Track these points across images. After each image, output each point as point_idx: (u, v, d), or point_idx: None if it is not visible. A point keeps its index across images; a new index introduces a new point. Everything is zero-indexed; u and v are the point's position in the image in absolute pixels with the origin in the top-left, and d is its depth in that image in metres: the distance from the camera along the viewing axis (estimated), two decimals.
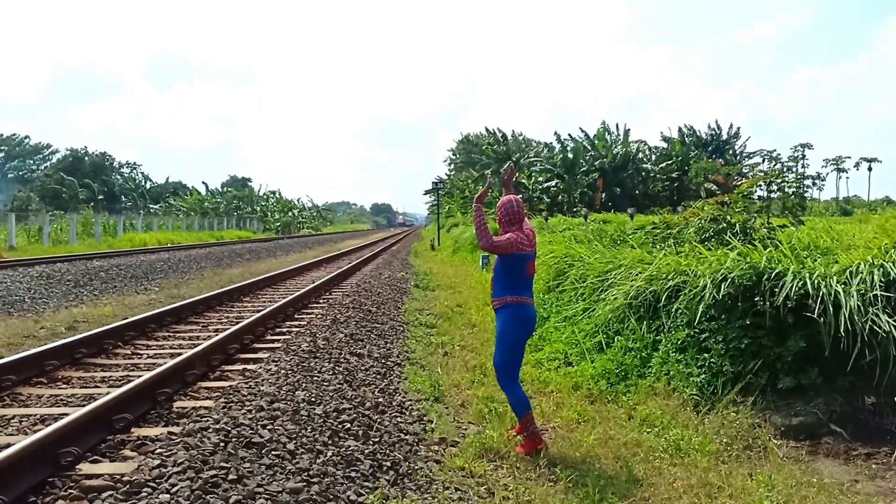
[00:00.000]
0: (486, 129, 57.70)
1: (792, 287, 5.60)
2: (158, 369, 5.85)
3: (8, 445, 3.96)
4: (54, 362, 6.71)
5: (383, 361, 7.60)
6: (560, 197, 43.28)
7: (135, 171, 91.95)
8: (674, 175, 47.31)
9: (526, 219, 5.27)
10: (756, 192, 11.48)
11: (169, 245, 31.41)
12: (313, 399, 5.52)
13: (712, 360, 5.98)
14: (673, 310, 6.70)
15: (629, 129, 50.40)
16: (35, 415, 5.23)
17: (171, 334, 9.00)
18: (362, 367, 7.09)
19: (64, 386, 6.28)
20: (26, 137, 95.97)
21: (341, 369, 6.76)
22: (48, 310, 12.21)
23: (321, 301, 12.18)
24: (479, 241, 5.03)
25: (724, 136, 55.14)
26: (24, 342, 8.91)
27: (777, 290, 5.70)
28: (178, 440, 4.25)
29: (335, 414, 5.30)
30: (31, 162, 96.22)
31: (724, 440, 5.12)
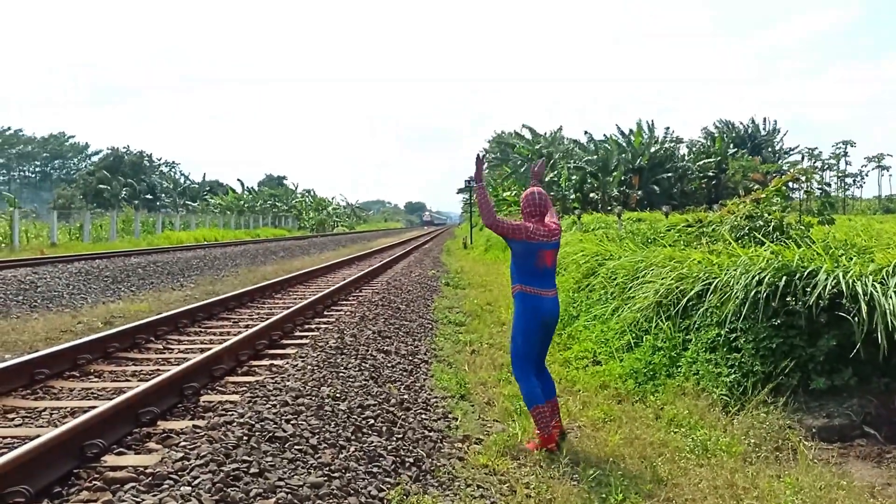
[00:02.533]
0: (520, 129, 57.56)
1: (825, 286, 5.48)
2: (186, 364, 5.93)
3: (37, 437, 4.05)
4: (87, 356, 6.84)
5: (410, 358, 7.61)
6: (593, 195, 42.96)
7: (173, 170, 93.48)
8: (711, 173, 46.66)
9: (552, 212, 5.22)
10: (795, 189, 11.28)
11: (205, 242, 31.88)
12: (338, 395, 5.54)
13: (743, 359, 5.87)
14: (703, 309, 6.60)
15: (667, 127, 49.83)
16: (65, 407, 5.33)
17: (203, 330, 9.12)
18: (389, 364, 7.10)
19: (95, 379, 6.40)
20: (71, 136, 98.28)
21: (367, 366, 6.79)
22: (86, 305, 12.47)
23: (351, 298, 12.24)
24: (482, 219, 5.06)
25: (762, 133, 54.21)
26: (61, 337, 9.10)
27: (809, 289, 5.58)
28: (202, 433, 4.31)
29: (359, 410, 5.32)
30: (74, 161, 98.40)
31: (753, 441, 5.02)
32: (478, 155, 5.38)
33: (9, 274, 13.66)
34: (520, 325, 5.05)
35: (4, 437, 4.59)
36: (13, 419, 5.10)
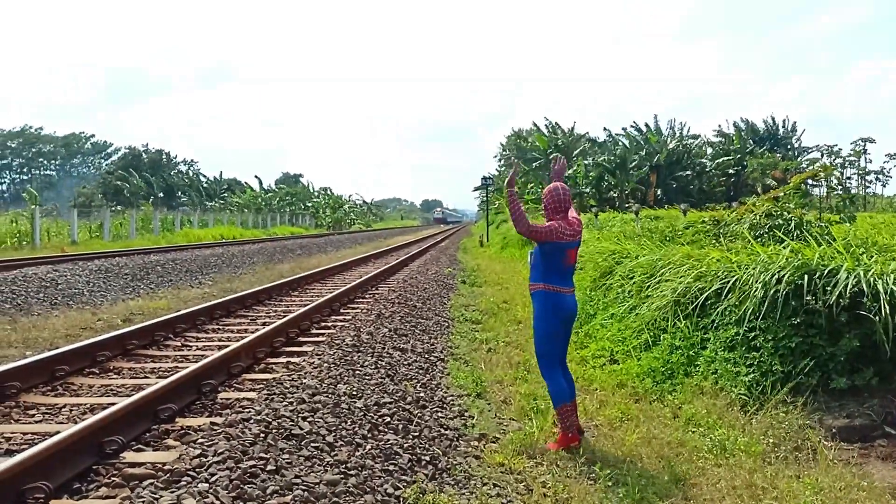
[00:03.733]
0: (535, 124, 57.37)
1: (846, 285, 5.42)
2: (204, 361, 5.97)
3: (56, 433, 4.09)
4: (106, 353, 6.90)
5: (426, 356, 7.61)
6: (611, 192, 42.77)
7: (192, 169, 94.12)
8: (730, 171, 46.29)
9: (573, 208, 5.21)
10: (814, 187, 11.17)
11: (223, 240, 32.07)
12: (354, 392, 5.56)
13: (762, 358, 5.82)
14: (722, 307, 6.54)
15: (684, 124, 49.48)
16: (85, 404, 5.39)
17: (221, 327, 9.17)
18: (405, 362, 7.11)
19: (115, 376, 6.46)
20: (91, 136, 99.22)
21: (384, 364, 6.79)
22: (106, 303, 12.59)
23: (367, 296, 12.27)
24: (516, 227, 5.00)
25: (781, 132, 53.68)
26: (81, 334, 9.19)
27: (830, 287, 5.51)
28: (219, 430, 4.33)
29: (376, 408, 5.32)
30: (94, 159, 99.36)
31: (772, 441, 4.97)
32: (512, 160, 5.37)
33: (30, 272, 13.81)
34: (543, 324, 5.03)
35: (25, 434, 4.65)
36: (34, 415, 5.16)
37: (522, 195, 39.31)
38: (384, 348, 7.46)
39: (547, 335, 5.04)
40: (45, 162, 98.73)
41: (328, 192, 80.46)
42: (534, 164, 48.23)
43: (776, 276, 5.87)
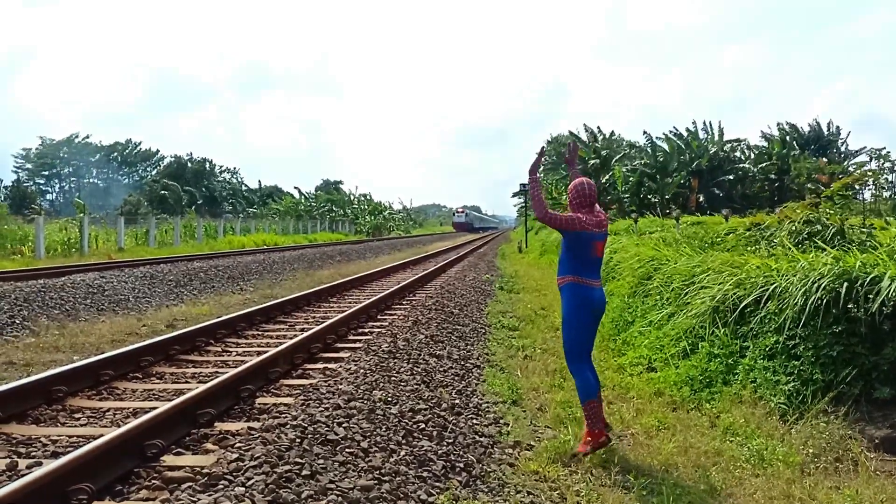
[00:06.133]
0: (571, 132, 57.03)
1: (889, 292, 5.30)
2: (243, 366, 6.08)
3: (100, 436, 4.21)
4: (150, 358, 7.06)
5: (462, 363, 7.63)
6: (651, 198, 42.27)
7: (235, 176, 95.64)
8: (773, 175, 45.40)
9: (598, 205, 5.20)
10: (859, 191, 10.93)
11: (265, 247, 32.52)
12: (390, 398, 5.60)
13: (802, 367, 5.72)
14: (761, 315, 6.45)
15: (723, 128, 48.65)
16: (128, 408, 5.53)
17: (260, 333, 9.32)
18: (441, 369, 7.14)
19: (157, 381, 6.61)
20: (139, 143, 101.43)
21: (419, 370, 6.83)
22: (150, 308, 12.88)
23: (404, 302, 12.34)
24: (534, 212, 5.04)
25: (826, 135, 52.47)
26: (127, 339, 9.42)
27: (872, 295, 5.40)
28: (256, 435, 4.40)
29: (410, 414, 5.36)
30: (142, 167, 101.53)
31: (812, 451, 4.88)
32: (542, 147, 5.41)
33: (78, 278, 14.18)
34: (572, 317, 5.03)
35: (71, 437, 4.79)
36: (79, 419, 5.31)
37: (556, 196, 39.05)
38: (420, 355, 7.50)
39: (577, 329, 5.04)
40: (95, 170, 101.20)
41: (368, 198, 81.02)
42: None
43: (816, 284, 5.77)
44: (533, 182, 5.19)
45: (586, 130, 52.52)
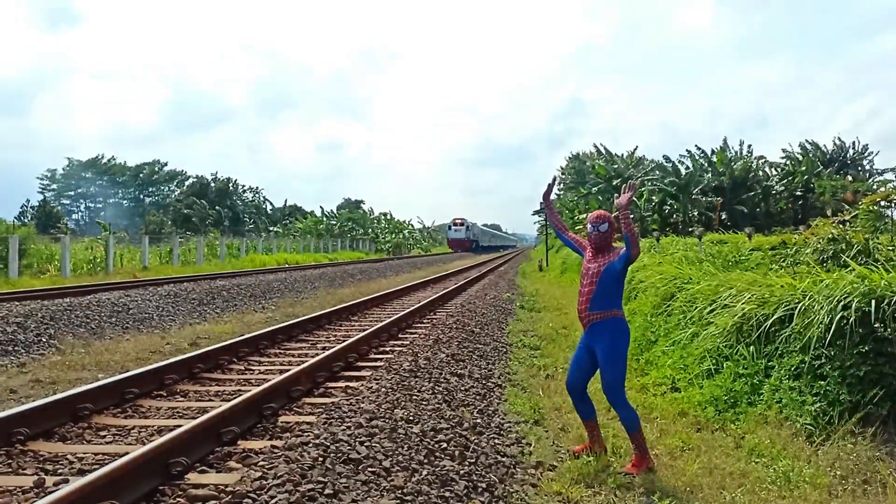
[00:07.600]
0: (596, 146, 56.97)
1: None
2: (265, 385, 6.11)
3: (125, 454, 4.25)
4: (174, 376, 7.13)
5: (484, 382, 7.61)
6: (674, 217, 42.02)
7: (257, 196, 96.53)
8: (798, 193, 44.98)
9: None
10: (887, 208, 10.80)
11: (286, 265, 32.72)
12: (411, 418, 5.60)
13: (828, 387, 5.64)
14: (786, 334, 6.38)
15: (751, 146, 48.37)
16: (152, 426, 5.57)
17: (282, 351, 9.37)
18: (462, 388, 7.12)
19: (181, 399, 6.66)
20: (165, 164, 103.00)
21: (441, 389, 6.83)
22: (174, 326, 13.00)
23: (425, 321, 12.34)
24: (633, 250, 4.86)
25: (851, 153, 51.95)
26: (151, 357, 9.50)
27: None
28: (279, 454, 4.43)
29: (432, 433, 5.35)
30: (167, 188, 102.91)
31: (839, 473, 4.80)
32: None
33: (103, 297, 14.36)
34: (622, 351, 5.05)
35: (97, 454, 4.83)
36: (104, 436, 5.36)
37: (576, 216, 38.98)
38: (441, 373, 7.50)
39: (624, 364, 5.09)
40: (120, 190, 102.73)
41: (388, 216, 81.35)
42: (593, 189, 47.84)
43: (842, 303, 5.70)
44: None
45: (601, 148, 52.75)
